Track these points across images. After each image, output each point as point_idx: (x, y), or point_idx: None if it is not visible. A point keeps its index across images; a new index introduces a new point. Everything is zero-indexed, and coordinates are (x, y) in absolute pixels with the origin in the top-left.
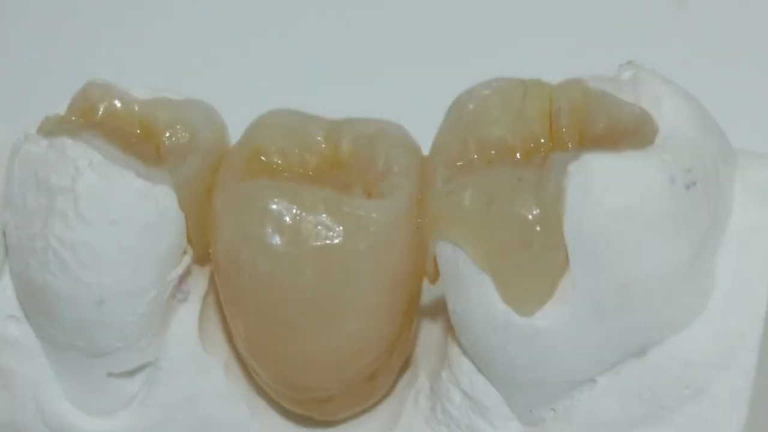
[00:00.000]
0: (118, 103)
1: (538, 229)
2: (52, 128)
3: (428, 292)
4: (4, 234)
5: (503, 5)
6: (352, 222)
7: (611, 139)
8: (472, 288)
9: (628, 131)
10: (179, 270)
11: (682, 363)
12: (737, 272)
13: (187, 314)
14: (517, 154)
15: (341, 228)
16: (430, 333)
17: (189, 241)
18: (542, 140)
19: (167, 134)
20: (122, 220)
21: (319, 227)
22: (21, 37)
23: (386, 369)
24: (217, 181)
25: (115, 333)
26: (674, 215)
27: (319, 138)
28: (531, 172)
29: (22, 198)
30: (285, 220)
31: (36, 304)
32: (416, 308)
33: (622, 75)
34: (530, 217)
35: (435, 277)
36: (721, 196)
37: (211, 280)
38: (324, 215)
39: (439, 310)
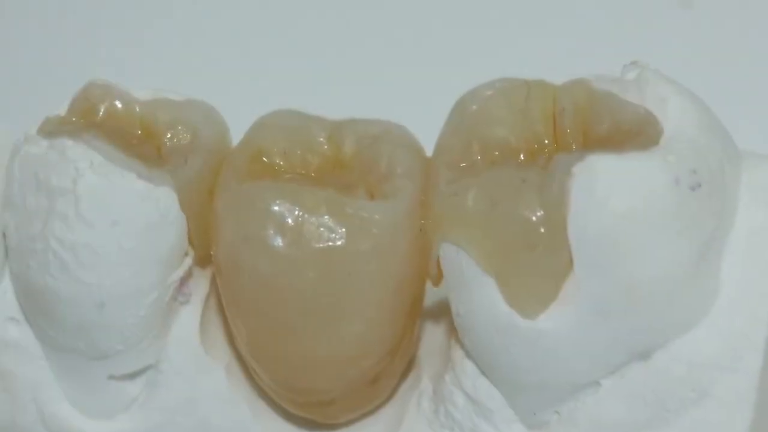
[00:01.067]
0: (118, 104)
1: (542, 230)
2: (52, 129)
3: (431, 294)
4: (4, 235)
5: (506, 5)
6: (354, 223)
7: (615, 140)
8: (476, 290)
9: (633, 132)
10: (180, 272)
11: (687, 365)
12: (742, 274)
13: (189, 316)
14: (521, 155)
15: (343, 229)
16: (433, 335)
17: (190, 242)
18: (546, 141)
19: (168, 135)
20: (123, 221)
21: (322, 229)
22: (21, 37)
23: (389, 371)
24: (219, 183)
25: (116, 335)
26: (679, 216)
27: (322, 139)
28: (535, 173)
29: (22, 199)
30: (287, 222)
31: (36, 305)
32: (419, 310)
33: (626, 75)
34: (534, 218)
35: (438, 279)
36: (726, 198)
37: (213, 282)
38: (326, 216)
39: (443, 312)
